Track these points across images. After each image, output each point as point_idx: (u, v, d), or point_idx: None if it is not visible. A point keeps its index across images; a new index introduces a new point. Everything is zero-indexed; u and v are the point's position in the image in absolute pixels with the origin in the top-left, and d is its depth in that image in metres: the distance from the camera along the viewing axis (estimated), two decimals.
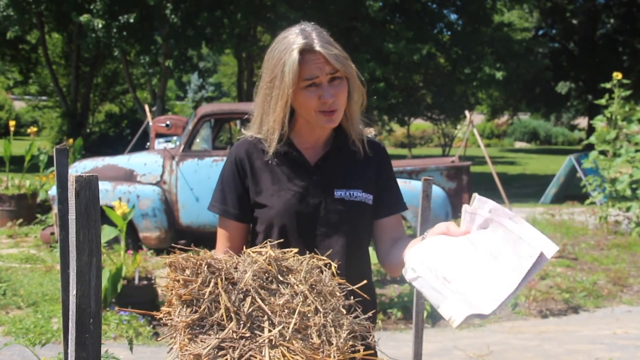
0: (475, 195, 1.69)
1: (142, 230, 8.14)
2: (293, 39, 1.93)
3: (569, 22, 38.56)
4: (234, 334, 1.49)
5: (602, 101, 10.88)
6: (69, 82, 28.83)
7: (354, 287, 1.77)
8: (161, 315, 1.59)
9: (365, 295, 1.82)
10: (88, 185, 1.29)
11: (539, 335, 5.93)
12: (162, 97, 23.12)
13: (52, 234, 8.45)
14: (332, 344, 1.55)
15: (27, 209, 10.52)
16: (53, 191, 8.41)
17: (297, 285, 1.62)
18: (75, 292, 1.30)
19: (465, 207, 1.71)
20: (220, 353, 1.47)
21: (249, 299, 1.55)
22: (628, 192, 10.33)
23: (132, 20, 19.13)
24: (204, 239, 7.81)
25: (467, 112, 11.73)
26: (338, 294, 1.68)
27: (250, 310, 1.54)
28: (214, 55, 32.43)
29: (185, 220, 8.24)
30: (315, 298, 1.62)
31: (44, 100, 36.51)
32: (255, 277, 1.60)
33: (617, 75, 10.62)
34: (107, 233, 5.74)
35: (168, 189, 8.27)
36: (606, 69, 25.62)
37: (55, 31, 27.98)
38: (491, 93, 32.76)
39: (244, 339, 1.49)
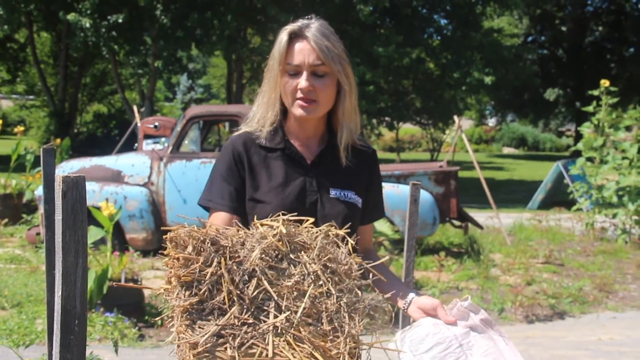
0: (469, 298, 1.77)
1: (128, 231, 8.11)
2: (293, 24, 1.97)
3: (558, 29, 38.77)
4: (236, 320, 1.39)
5: (590, 108, 10.93)
6: (57, 81, 28.72)
7: (370, 265, 1.70)
8: (161, 291, 1.45)
9: (382, 277, 1.80)
10: (75, 186, 1.29)
11: (524, 340, 5.95)
12: (150, 98, 23.06)
13: (38, 234, 8.40)
14: (344, 331, 1.47)
15: (13, 208, 10.45)
16: (39, 191, 8.36)
17: (309, 264, 1.52)
18: (60, 293, 1.29)
19: (457, 301, 1.78)
20: (219, 341, 1.36)
21: (254, 281, 1.44)
22: (614, 199, 10.38)
23: (120, 20, 19.07)
24: None
25: (455, 117, 11.75)
26: (354, 273, 1.58)
27: (255, 293, 1.43)
28: (204, 56, 32.38)
29: (172, 222, 8.21)
30: (329, 279, 1.52)
31: (31, 99, 36.32)
32: (263, 256, 1.49)
33: (605, 83, 10.67)
34: (93, 234, 5.71)
35: (155, 190, 8.24)
36: (594, 76, 25.77)
37: (43, 30, 27.88)
38: (480, 98, 32.84)
39: (246, 326, 1.39)
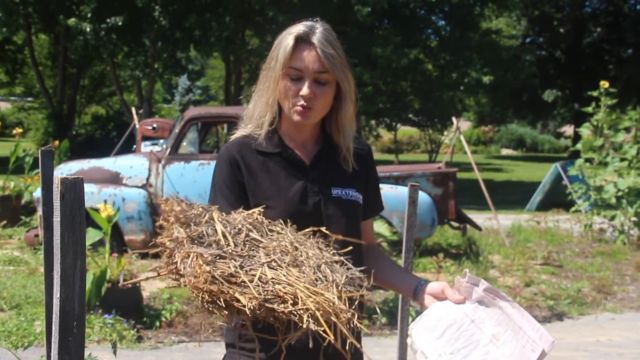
0: (467, 272, 1.77)
1: (127, 233, 8.10)
2: (297, 27, 1.96)
3: (556, 31, 38.78)
4: (234, 252, 1.50)
5: (589, 109, 10.94)
6: (55, 83, 28.72)
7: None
8: (157, 250, 1.56)
9: (361, 270, 1.81)
10: (73, 188, 1.28)
11: None
12: (149, 99, 23.03)
13: (37, 236, 8.38)
14: (330, 279, 1.54)
15: (12, 210, 10.44)
16: (38, 193, 8.35)
17: (285, 239, 1.64)
18: (59, 294, 1.29)
19: (459, 278, 1.79)
20: (221, 260, 1.46)
21: (242, 234, 1.57)
22: (613, 201, 10.38)
23: (120, 23, 19.05)
24: None
25: (454, 119, 11.76)
26: (329, 251, 1.69)
27: (245, 239, 1.55)
28: (202, 58, 32.41)
29: None
30: (305, 249, 1.62)
31: (29, 101, 36.32)
32: (245, 221, 1.63)
33: (604, 84, 10.67)
34: (91, 236, 5.70)
35: (154, 192, 8.23)
36: (592, 77, 25.81)
37: (42, 32, 27.86)
38: (478, 99, 32.83)
39: (243, 258, 1.50)
